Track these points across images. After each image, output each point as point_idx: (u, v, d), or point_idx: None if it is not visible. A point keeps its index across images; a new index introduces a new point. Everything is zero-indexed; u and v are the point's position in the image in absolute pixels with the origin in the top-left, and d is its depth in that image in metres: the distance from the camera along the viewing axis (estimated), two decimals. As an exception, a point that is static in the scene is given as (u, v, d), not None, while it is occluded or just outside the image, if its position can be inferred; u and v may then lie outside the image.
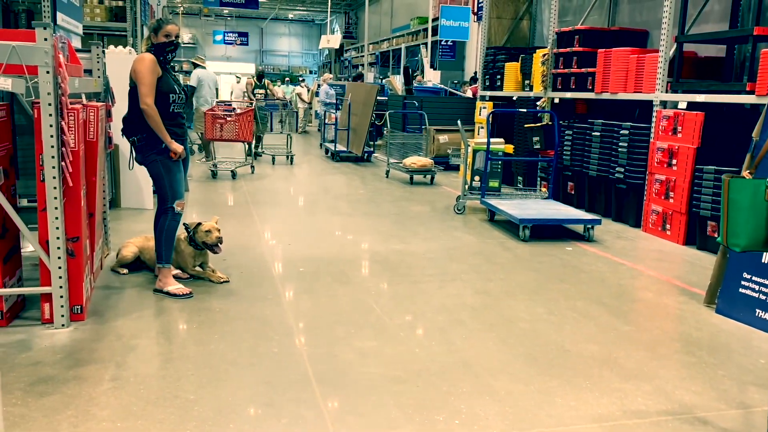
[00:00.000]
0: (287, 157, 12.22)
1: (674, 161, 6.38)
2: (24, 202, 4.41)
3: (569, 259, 5.64)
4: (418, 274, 5.02)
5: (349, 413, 2.86)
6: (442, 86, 15.17)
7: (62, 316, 3.66)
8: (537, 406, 2.97)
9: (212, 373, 3.18)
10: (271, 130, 13.27)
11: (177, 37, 4.22)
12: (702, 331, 4.03)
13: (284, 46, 42.61)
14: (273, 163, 11.96)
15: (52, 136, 3.45)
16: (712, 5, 7.27)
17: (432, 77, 16.70)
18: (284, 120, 13.82)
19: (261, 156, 12.60)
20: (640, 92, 7.16)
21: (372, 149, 13.18)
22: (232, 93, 18.54)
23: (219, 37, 36.77)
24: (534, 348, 3.65)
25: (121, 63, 6.31)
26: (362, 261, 5.40)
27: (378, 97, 12.27)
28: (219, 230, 4.64)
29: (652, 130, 6.77)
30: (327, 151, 13.74)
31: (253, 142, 11.47)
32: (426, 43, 18.32)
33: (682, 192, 6.27)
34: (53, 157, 3.48)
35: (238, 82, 21.00)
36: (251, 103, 11.62)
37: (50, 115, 3.43)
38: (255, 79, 13.90)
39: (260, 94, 13.53)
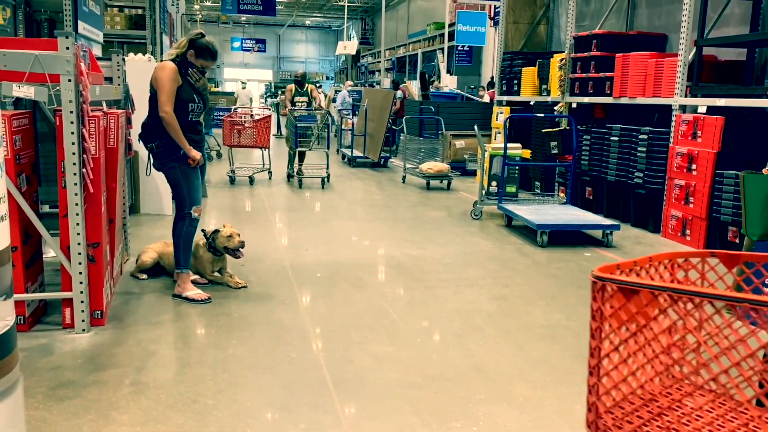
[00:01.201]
0: (323, 180, 10.01)
1: (694, 166, 6.32)
2: (46, 208, 4.48)
3: (588, 264, 5.60)
4: (435, 280, 5.01)
5: (365, 418, 2.86)
6: (459, 91, 15.17)
7: (83, 321, 3.70)
8: (555, 413, 2.95)
9: (230, 378, 3.20)
10: (328, 146, 10.07)
11: (205, 70, 4.28)
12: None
13: (301, 52, 42.85)
14: (300, 187, 9.67)
15: (73, 143, 3.51)
16: (732, 8, 7.20)
17: (448, 82, 16.71)
18: (320, 133, 10.38)
19: (302, 176, 10.13)
20: (659, 96, 7.10)
21: (389, 155, 13.20)
22: (237, 99, 18.32)
23: (237, 44, 37.09)
24: (552, 354, 3.63)
25: (141, 70, 6.39)
26: (378, 266, 5.41)
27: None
28: (239, 234, 4.68)
29: (672, 134, 6.72)
30: (344, 156, 13.77)
31: (295, 160, 10.19)
32: (442, 49, 18.34)
33: (702, 197, 6.21)
34: (75, 163, 3.53)
35: (243, 88, 21.09)
36: (279, 112, 10.81)
37: (72, 122, 3.48)
38: (295, 84, 10.90)
39: (302, 102, 10.76)
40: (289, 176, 10.36)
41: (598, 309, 1.66)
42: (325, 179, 10.02)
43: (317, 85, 26.58)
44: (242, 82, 25.97)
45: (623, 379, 1.64)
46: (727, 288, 1.89)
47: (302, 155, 10.39)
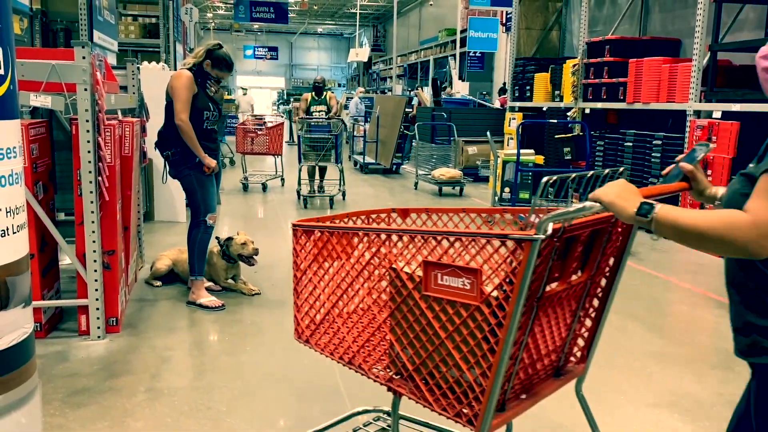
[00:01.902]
0: (331, 200, 8.81)
1: (709, 171, 6.27)
2: (62, 216, 4.52)
3: (602, 271, 5.56)
4: (448, 287, 4.99)
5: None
6: (471, 97, 15.17)
7: (98, 328, 3.73)
8: (569, 422, 2.93)
9: (244, 385, 3.20)
10: (338, 161, 8.81)
11: (221, 80, 4.32)
12: (740, 345, 3.93)
13: (313, 59, 43.05)
14: (306, 207, 8.54)
15: (89, 152, 3.54)
16: (746, 13, 7.15)
17: (460, 89, 16.71)
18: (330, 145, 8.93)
19: (323, 191, 9.24)
20: (673, 102, 7.06)
21: (401, 161, 13.21)
22: (238, 107, 18.10)
23: (249, 52, 37.32)
24: (567, 362, 3.60)
25: (155, 79, 6.44)
26: (392, 273, 5.40)
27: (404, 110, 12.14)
28: (253, 242, 4.70)
29: (686, 140, 6.67)
30: (356, 163, 13.80)
31: (316, 174, 9.23)
32: (454, 55, 18.35)
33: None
34: (90, 172, 3.56)
35: (244, 94, 20.97)
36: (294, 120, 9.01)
37: (87, 131, 3.52)
38: (313, 91, 9.53)
39: (319, 111, 9.38)
40: (299, 195, 8.87)
41: (293, 248, 2.21)
42: (336, 197, 8.85)
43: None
44: (242, 89, 25.91)
45: (316, 301, 2.17)
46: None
47: (322, 171, 9.31)
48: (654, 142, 7.04)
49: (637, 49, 8.04)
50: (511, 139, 10.04)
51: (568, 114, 8.90)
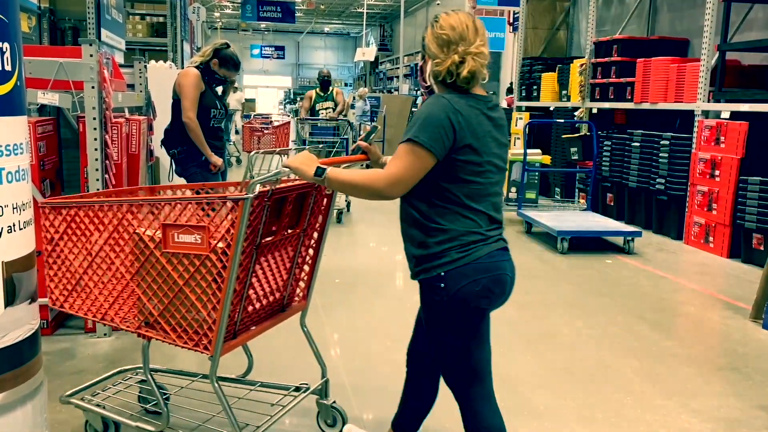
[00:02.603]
0: (339, 215, 7.50)
1: (717, 172, 6.23)
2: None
3: (609, 272, 5.54)
4: (454, 286, 4.98)
5: (386, 426, 2.84)
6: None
7: (104, 325, 3.73)
8: (577, 422, 2.92)
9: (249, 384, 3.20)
10: None
11: (228, 79, 4.33)
12: (748, 346, 3.90)
13: (320, 59, 43.05)
14: None
15: (96, 150, 3.55)
16: (756, 12, 7.10)
17: (467, 88, 16.65)
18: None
19: None
20: (681, 102, 7.02)
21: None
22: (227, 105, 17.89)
23: (256, 51, 37.36)
24: (573, 363, 3.59)
25: (162, 77, 6.44)
26: (398, 273, 5.40)
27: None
28: None
29: (694, 140, 6.63)
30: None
31: None
32: (461, 55, 18.28)
33: (726, 203, 6.11)
34: (97, 169, 3.57)
35: (234, 92, 20.81)
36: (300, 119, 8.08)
37: (95, 128, 3.52)
38: (319, 87, 8.65)
39: (326, 109, 8.50)
40: None
41: (42, 224, 2.41)
42: (344, 210, 7.64)
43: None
44: (234, 87, 25.79)
45: (67, 271, 2.42)
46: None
47: None
48: (661, 143, 7.00)
49: (645, 48, 7.99)
50: (518, 138, 10.02)
51: (576, 114, 8.87)
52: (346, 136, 7.76)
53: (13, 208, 1.74)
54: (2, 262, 1.73)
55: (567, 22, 11.21)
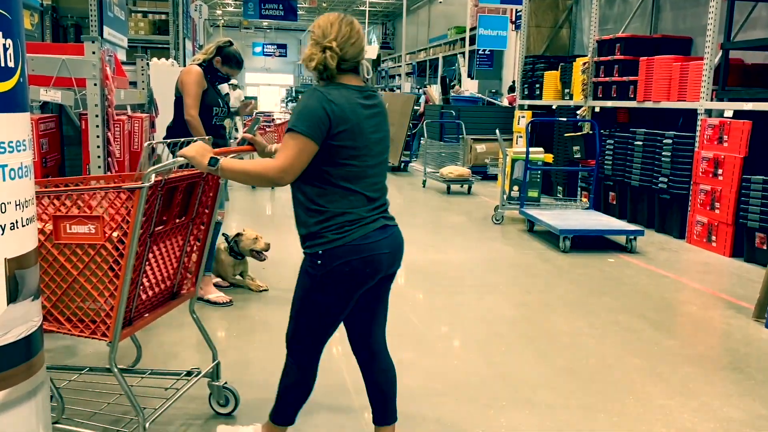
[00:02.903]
0: None
1: (720, 171, 6.22)
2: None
3: (611, 271, 5.54)
4: (456, 285, 4.98)
5: (387, 424, 2.84)
6: (480, 95, 15.11)
7: None
8: (578, 422, 2.91)
9: (252, 381, 3.20)
10: None
11: (230, 78, 4.33)
12: (750, 346, 3.90)
13: (322, 57, 43.00)
14: None
15: (98, 147, 3.55)
16: (759, 11, 7.08)
17: (469, 86, 16.65)
18: None
19: None
20: (684, 101, 7.00)
21: (409, 159, 13.18)
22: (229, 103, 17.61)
23: (258, 49, 37.36)
24: (575, 362, 3.58)
25: (164, 75, 6.44)
26: (399, 271, 5.39)
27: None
28: (262, 237, 4.72)
29: (697, 139, 6.62)
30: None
31: None
32: (463, 53, 18.30)
33: (729, 202, 6.10)
34: (99, 167, 3.57)
35: (234, 89, 20.66)
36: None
37: (97, 126, 3.52)
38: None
39: None
40: None
41: None
42: None
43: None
44: (230, 85, 25.68)
45: None
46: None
47: None
48: (664, 141, 6.99)
49: (648, 47, 7.98)
50: (520, 137, 10.01)
51: (578, 112, 8.85)
52: None
53: (16, 205, 1.74)
54: (5, 259, 1.72)
55: (570, 20, 11.19)
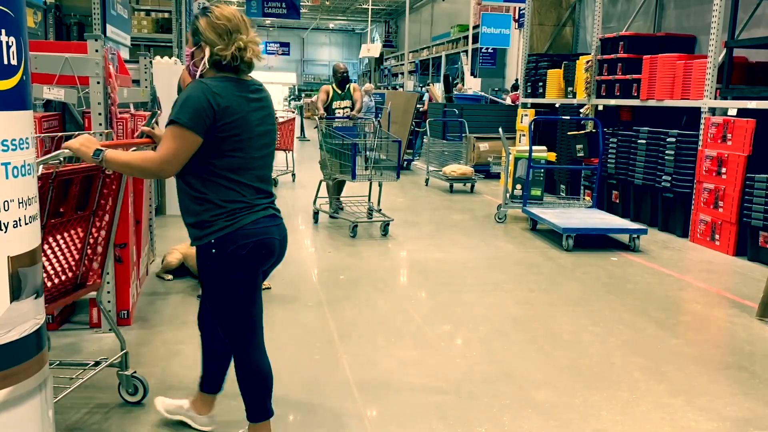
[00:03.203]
0: (385, 227, 6.46)
1: (723, 169, 6.20)
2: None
3: (614, 269, 5.53)
4: (459, 284, 4.98)
5: (390, 423, 2.85)
6: (483, 94, 15.09)
7: None
8: (582, 420, 2.91)
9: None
10: (353, 176, 6.65)
11: None
12: (754, 345, 3.89)
13: (325, 55, 43.04)
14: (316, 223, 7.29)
15: (101, 145, 3.54)
16: (763, 9, 7.06)
17: (472, 85, 16.63)
18: (370, 154, 7.04)
19: (339, 213, 7.19)
20: (688, 99, 6.98)
21: (411, 157, 13.17)
22: None
23: (261, 47, 37.36)
24: (578, 360, 3.58)
25: (168, 73, 6.45)
26: (402, 269, 5.39)
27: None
28: None
29: (701, 137, 6.60)
30: (366, 158, 13.77)
31: (329, 189, 7.27)
32: (466, 51, 18.28)
33: (732, 201, 6.09)
34: (103, 165, 3.56)
35: None
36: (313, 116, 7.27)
37: (100, 124, 3.52)
38: (334, 84, 7.64)
39: (343, 108, 7.58)
40: (316, 217, 7.16)
41: None
42: (385, 226, 6.47)
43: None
44: None
45: None
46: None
47: (341, 184, 7.36)
48: (668, 140, 6.97)
49: (652, 45, 7.96)
50: (523, 135, 9.99)
51: (581, 111, 8.84)
52: (381, 136, 7.39)
53: (19, 203, 1.74)
54: (8, 257, 1.72)
55: (573, 19, 11.17)
